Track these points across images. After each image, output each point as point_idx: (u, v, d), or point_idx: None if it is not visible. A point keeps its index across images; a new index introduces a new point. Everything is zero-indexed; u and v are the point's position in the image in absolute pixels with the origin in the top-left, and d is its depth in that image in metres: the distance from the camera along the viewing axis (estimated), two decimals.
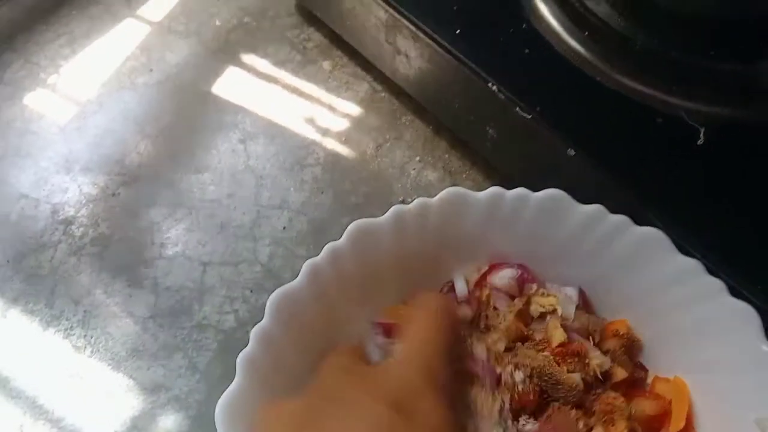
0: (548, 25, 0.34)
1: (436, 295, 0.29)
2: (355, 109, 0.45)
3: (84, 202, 0.41)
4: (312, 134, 0.44)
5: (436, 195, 0.41)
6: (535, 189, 0.30)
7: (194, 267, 0.39)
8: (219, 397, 0.25)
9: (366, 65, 0.45)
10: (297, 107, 0.45)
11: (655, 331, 0.29)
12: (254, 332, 0.27)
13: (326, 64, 0.46)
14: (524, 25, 0.34)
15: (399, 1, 0.35)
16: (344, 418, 0.21)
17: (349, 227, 0.29)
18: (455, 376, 0.25)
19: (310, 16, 0.47)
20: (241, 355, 0.26)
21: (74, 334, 0.37)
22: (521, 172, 0.37)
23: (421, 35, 0.35)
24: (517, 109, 0.32)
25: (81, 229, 0.40)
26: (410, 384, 0.22)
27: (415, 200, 0.29)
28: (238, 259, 0.39)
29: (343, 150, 0.43)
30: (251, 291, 0.38)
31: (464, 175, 0.42)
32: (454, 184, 0.42)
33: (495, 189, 0.29)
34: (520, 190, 0.29)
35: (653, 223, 0.28)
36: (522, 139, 0.34)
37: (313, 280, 0.28)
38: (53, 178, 0.42)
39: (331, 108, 0.45)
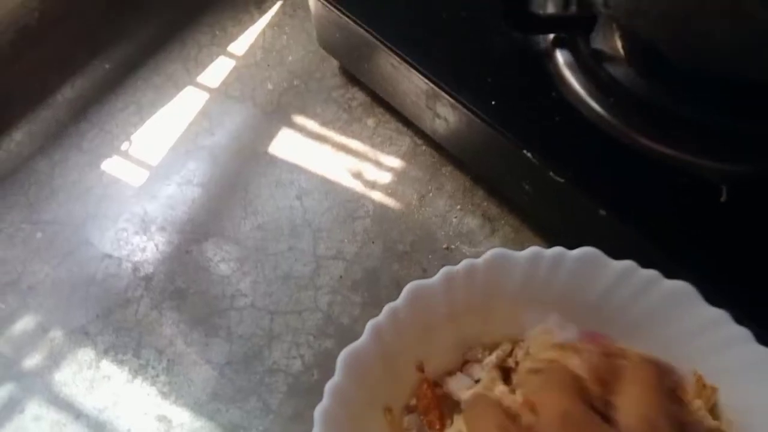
0: (576, 94, 0.37)
1: (650, 362, 0.29)
2: (398, 163, 0.49)
3: (161, 259, 0.46)
4: (361, 188, 0.48)
5: (476, 240, 0.46)
6: (571, 239, 0.33)
7: (262, 316, 0.44)
8: None
9: (406, 121, 0.49)
10: (346, 163, 0.49)
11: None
12: (328, 387, 0.30)
13: (370, 122, 0.51)
14: (554, 94, 0.38)
15: (438, 76, 0.39)
16: None
17: (405, 288, 0.33)
18: None
19: (353, 77, 0.52)
20: (317, 408, 0.30)
21: (160, 381, 0.42)
22: (557, 222, 0.40)
23: (460, 106, 0.38)
24: (551, 173, 0.35)
25: (160, 284, 0.45)
26: None
27: (463, 261, 0.33)
28: (301, 308, 0.44)
29: (389, 202, 0.47)
30: (314, 337, 0.43)
31: (502, 222, 0.46)
32: (493, 231, 0.45)
33: (534, 249, 0.33)
34: (557, 249, 0.33)
35: (682, 276, 0.31)
36: (556, 198, 0.37)
37: (376, 338, 0.32)
38: (132, 239, 0.47)
39: (377, 163, 0.49)
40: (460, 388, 0.33)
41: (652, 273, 0.31)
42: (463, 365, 0.35)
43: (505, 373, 0.33)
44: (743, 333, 0.30)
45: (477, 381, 0.33)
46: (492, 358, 0.34)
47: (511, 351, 0.34)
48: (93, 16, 0.58)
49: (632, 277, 0.32)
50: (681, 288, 0.31)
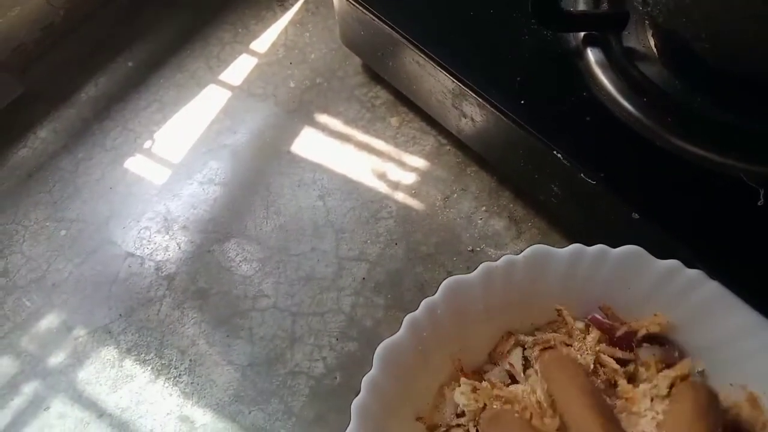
0: (608, 93, 0.36)
1: (701, 389, 0.29)
2: (422, 163, 0.48)
3: (183, 258, 0.46)
4: (384, 189, 0.47)
5: (502, 243, 0.45)
6: (601, 242, 0.32)
7: (284, 317, 0.43)
8: None
9: (431, 120, 0.48)
10: (369, 163, 0.48)
11: (726, 380, 0.31)
12: (364, 381, 0.30)
13: (394, 121, 0.50)
14: (585, 94, 0.37)
15: (465, 74, 0.38)
16: None
17: (443, 283, 0.32)
18: None
19: (376, 75, 0.51)
20: (354, 402, 0.30)
21: (182, 382, 0.42)
22: (586, 225, 0.39)
23: (487, 105, 0.38)
24: (582, 175, 0.34)
25: (182, 284, 0.45)
26: None
27: (502, 257, 0.32)
28: (324, 309, 0.43)
29: (413, 203, 0.46)
30: (337, 339, 0.42)
31: (529, 224, 0.45)
32: (519, 233, 0.44)
33: (576, 246, 0.32)
34: (599, 247, 0.32)
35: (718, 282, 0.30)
36: (586, 201, 0.36)
37: (413, 332, 0.31)
38: (155, 238, 0.47)
39: (401, 162, 0.48)
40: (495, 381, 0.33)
41: (697, 272, 0.30)
42: (494, 357, 0.34)
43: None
44: None
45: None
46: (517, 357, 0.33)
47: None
48: (116, 15, 0.58)
49: (677, 277, 0.31)
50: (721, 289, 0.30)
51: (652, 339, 0.33)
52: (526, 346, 0.33)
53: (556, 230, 0.44)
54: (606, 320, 0.33)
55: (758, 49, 0.28)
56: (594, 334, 0.32)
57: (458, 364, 0.33)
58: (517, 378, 0.33)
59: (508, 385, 0.33)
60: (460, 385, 0.33)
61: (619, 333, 0.32)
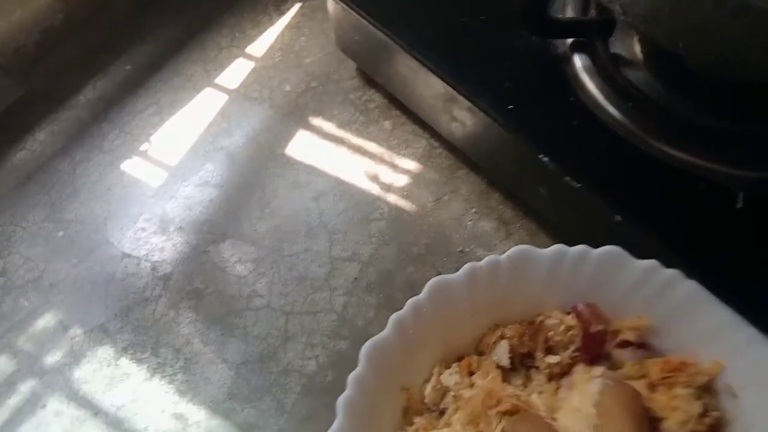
0: (593, 98, 0.37)
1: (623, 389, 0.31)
2: (414, 166, 0.49)
3: (179, 259, 0.47)
4: (376, 190, 0.48)
5: (491, 244, 0.46)
6: (588, 243, 0.33)
7: (278, 317, 0.44)
8: None
9: (423, 123, 0.49)
10: (362, 165, 0.49)
11: None
12: (351, 378, 0.31)
13: (387, 124, 0.51)
14: (572, 99, 0.37)
15: (456, 79, 0.39)
16: None
17: (428, 283, 0.33)
18: None
19: (370, 79, 0.52)
20: (340, 398, 0.30)
21: (177, 380, 0.42)
22: (573, 227, 0.40)
23: (477, 109, 0.38)
24: (567, 178, 0.35)
25: (178, 284, 0.46)
26: None
27: (487, 258, 0.33)
28: (316, 309, 0.44)
29: (405, 204, 0.47)
30: (329, 338, 0.43)
31: (518, 225, 0.45)
32: (508, 234, 0.45)
33: (558, 246, 0.33)
34: (581, 248, 0.33)
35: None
36: (572, 203, 0.37)
37: (399, 331, 0.32)
38: (151, 238, 0.48)
39: (393, 165, 0.49)
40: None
41: (674, 272, 0.31)
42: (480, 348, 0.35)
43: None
44: (756, 335, 0.30)
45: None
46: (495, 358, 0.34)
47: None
48: (115, 18, 0.59)
49: (655, 276, 0.32)
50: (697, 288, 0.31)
51: (635, 343, 0.34)
52: (511, 339, 0.34)
53: (545, 231, 0.45)
54: (586, 313, 0.33)
55: (738, 55, 0.29)
56: (570, 320, 0.33)
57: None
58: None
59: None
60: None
61: (592, 329, 0.33)
